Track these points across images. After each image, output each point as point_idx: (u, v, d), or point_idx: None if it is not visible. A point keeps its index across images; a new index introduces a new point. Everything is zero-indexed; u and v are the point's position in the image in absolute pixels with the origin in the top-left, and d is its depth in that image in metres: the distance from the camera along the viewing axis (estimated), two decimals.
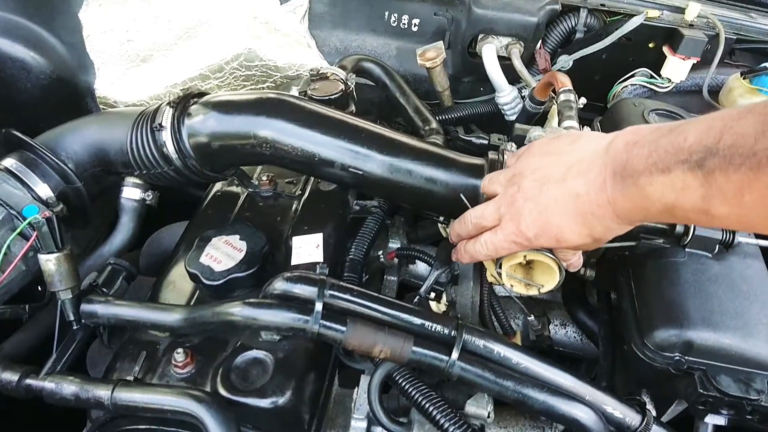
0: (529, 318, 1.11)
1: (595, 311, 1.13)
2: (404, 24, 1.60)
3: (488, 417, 0.85)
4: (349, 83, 1.24)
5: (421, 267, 1.27)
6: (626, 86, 1.40)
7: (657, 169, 0.63)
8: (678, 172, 0.60)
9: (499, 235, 0.83)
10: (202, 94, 1.07)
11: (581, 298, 1.16)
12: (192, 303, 0.97)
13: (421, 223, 1.24)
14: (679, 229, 0.91)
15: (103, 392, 0.81)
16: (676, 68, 1.37)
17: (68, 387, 0.84)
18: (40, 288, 0.97)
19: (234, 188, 1.21)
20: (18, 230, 0.93)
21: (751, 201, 0.55)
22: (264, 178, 1.16)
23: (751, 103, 1.15)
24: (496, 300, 1.08)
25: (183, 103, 1.02)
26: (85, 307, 0.90)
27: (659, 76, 1.39)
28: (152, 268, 1.30)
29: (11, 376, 0.87)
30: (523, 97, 1.43)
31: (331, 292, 0.81)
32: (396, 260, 1.18)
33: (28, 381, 0.86)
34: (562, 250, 0.86)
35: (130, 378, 0.85)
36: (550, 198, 0.76)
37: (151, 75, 1.45)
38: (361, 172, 0.98)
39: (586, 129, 1.09)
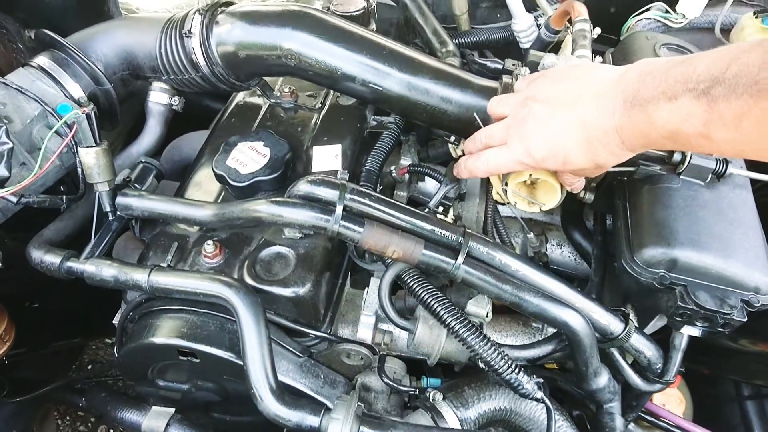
0: (528, 235, 1.18)
1: (590, 233, 1.21)
2: None
3: (486, 316, 0.94)
4: (371, 1, 1.27)
5: (429, 185, 1.34)
6: (640, 20, 1.42)
7: (665, 97, 0.68)
8: (684, 100, 0.66)
9: (506, 154, 0.89)
10: (229, 3, 1.10)
11: (578, 220, 1.23)
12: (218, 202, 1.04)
13: (433, 143, 1.30)
14: (676, 157, 0.96)
15: (140, 276, 0.89)
16: (692, 4, 1.39)
17: (108, 270, 0.92)
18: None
19: (256, 99, 1.26)
20: (56, 128, 0.99)
21: (748, 126, 0.61)
22: (286, 89, 1.21)
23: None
24: (499, 217, 1.15)
25: (211, 11, 1.06)
26: (120, 199, 0.97)
27: (674, 11, 1.41)
28: (172, 174, 1.36)
29: (54, 259, 0.95)
30: (538, 26, 1.45)
31: (351, 196, 0.88)
32: (406, 176, 1.25)
33: (70, 264, 0.95)
34: (565, 174, 0.92)
35: (164, 265, 0.94)
36: (561, 122, 0.81)
37: None
38: (380, 88, 1.03)
39: (598, 59, 1.13)
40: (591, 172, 0.89)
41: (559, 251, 1.26)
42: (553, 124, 0.82)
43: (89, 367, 1.89)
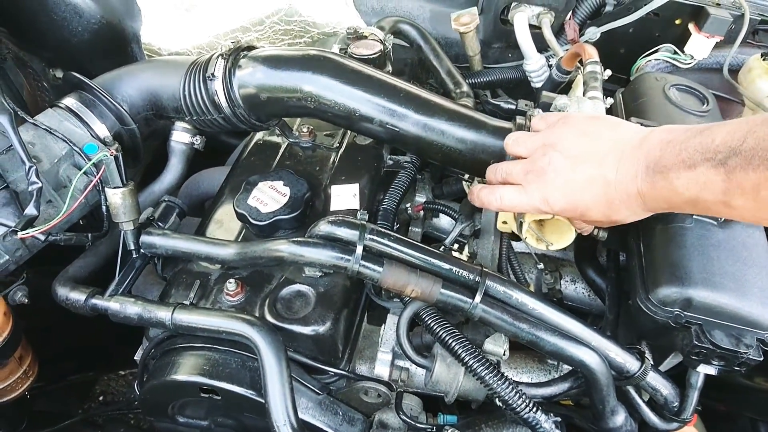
0: (543, 272, 1.20)
1: (604, 270, 1.22)
2: None
3: (504, 355, 0.95)
4: (387, 44, 1.31)
5: (443, 221, 1.36)
6: (650, 60, 1.45)
7: (684, 165, 0.71)
8: (702, 169, 0.69)
9: (523, 197, 0.90)
10: (251, 48, 1.13)
11: (592, 257, 1.24)
12: (239, 240, 1.07)
13: (447, 180, 1.32)
14: None
15: (164, 314, 0.91)
16: (700, 45, 1.42)
17: (132, 308, 0.94)
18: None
19: (275, 138, 1.29)
20: (85, 168, 1.02)
21: (766, 196, 0.63)
22: (304, 129, 1.24)
23: None
24: (513, 254, 1.16)
25: (234, 55, 1.09)
26: (145, 238, 1.00)
27: (682, 52, 1.44)
28: (189, 209, 1.39)
29: (79, 296, 0.97)
30: (550, 66, 1.48)
31: (370, 236, 0.90)
32: (421, 213, 1.27)
33: (94, 301, 0.97)
34: (580, 222, 0.94)
35: (186, 303, 0.95)
36: (582, 178, 0.84)
37: (194, 25, 1.52)
38: (397, 129, 1.05)
39: (609, 100, 1.15)
40: (606, 224, 0.91)
41: (573, 287, 1.27)
42: (574, 179, 0.84)
43: (101, 398, 1.89)
